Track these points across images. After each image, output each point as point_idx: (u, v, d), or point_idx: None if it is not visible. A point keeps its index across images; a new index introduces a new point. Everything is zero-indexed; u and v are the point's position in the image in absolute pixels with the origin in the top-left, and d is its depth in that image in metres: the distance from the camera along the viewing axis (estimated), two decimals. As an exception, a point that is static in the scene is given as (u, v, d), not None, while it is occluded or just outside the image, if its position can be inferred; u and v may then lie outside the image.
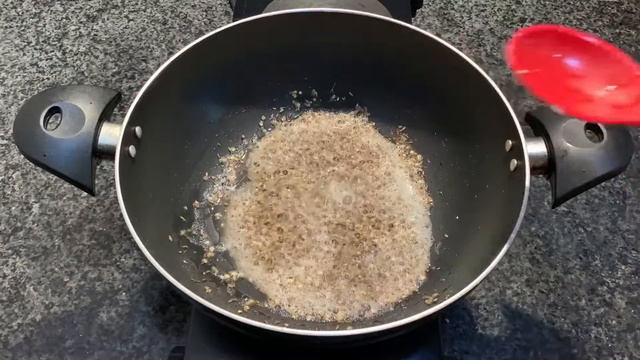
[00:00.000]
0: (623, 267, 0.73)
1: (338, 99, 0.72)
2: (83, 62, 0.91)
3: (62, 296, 0.69)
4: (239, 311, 0.56)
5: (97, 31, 0.96)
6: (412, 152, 0.70)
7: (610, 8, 1.02)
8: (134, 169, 0.58)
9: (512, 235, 0.51)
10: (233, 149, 0.70)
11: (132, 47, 0.93)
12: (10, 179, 0.79)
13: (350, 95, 0.72)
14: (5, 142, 0.82)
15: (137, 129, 0.58)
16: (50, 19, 0.97)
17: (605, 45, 0.46)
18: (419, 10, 0.92)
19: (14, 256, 0.72)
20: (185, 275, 0.57)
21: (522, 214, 0.52)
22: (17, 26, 0.96)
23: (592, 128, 0.58)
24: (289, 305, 0.58)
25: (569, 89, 0.45)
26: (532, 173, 0.55)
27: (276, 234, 0.62)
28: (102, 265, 0.71)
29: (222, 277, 0.60)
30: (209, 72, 0.66)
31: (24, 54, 0.92)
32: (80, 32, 0.95)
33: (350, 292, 0.59)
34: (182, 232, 0.61)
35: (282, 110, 0.72)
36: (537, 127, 0.59)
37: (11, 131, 0.81)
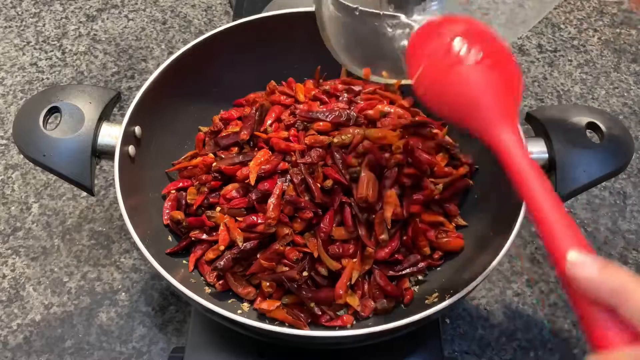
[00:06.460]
0: (624, 267, 0.73)
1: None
2: (83, 62, 0.91)
3: (61, 296, 0.69)
4: (239, 311, 0.56)
5: (96, 31, 0.95)
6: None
7: (610, 8, 1.02)
8: (133, 168, 0.58)
9: (512, 235, 0.51)
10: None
11: (131, 46, 0.93)
12: (10, 179, 0.78)
13: (350, 95, 0.72)
14: (4, 142, 0.82)
15: (137, 129, 0.58)
16: (50, 19, 0.97)
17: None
18: (419, 9, 0.92)
19: (13, 256, 0.72)
20: (186, 275, 0.57)
21: (522, 214, 0.51)
22: (16, 26, 0.96)
23: (593, 128, 0.58)
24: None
25: None
26: (532, 173, 0.55)
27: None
28: (101, 266, 0.71)
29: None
30: (209, 71, 0.66)
31: (24, 54, 0.92)
32: (79, 32, 0.95)
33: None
34: (182, 232, 0.61)
35: (282, 110, 0.72)
36: (537, 127, 0.59)
37: (11, 131, 0.81)
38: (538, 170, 0.35)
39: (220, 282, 0.58)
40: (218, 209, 0.59)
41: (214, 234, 0.58)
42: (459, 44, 0.42)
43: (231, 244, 0.57)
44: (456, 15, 0.49)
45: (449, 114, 0.44)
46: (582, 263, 0.30)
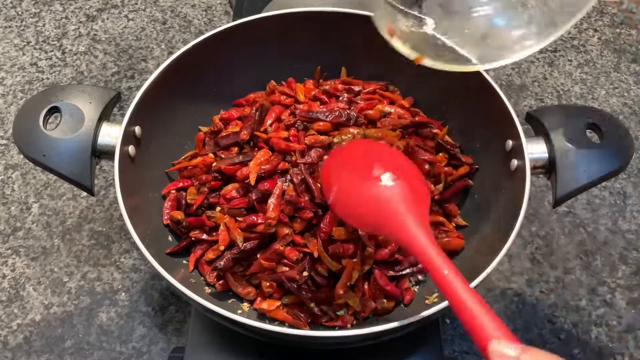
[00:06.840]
0: (624, 267, 0.73)
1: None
2: (82, 61, 0.91)
3: (61, 296, 0.69)
4: (239, 311, 0.56)
5: (96, 31, 0.95)
6: (412, 152, 0.69)
7: (610, 8, 1.02)
8: (133, 168, 0.58)
9: (512, 235, 0.50)
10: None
11: (131, 46, 0.93)
12: (10, 179, 0.78)
13: (350, 95, 0.72)
14: (4, 142, 0.82)
15: (137, 129, 0.58)
16: (50, 19, 0.97)
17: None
18: (419, 10, 0.91)
19: (13, 256, 0.72)
20: (186, 275, 0.57)
21: (522, 213, 0.51)
22: (16, 26, 0.96)
23: (593, 128, 0.58)
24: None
25: None
26: (532, 173, 0.55)
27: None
28: (101, 266, 0.71)
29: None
30: (209, 71, 0.66)
31: (24, 54, 0.92)
32: (79, 32, 0.95)
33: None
34: (182, 232, 0.61)
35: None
36: (538, 127, 0.59)
37: (11, 131, 0.81)
38: (451, 265, 0.40)
39: (220, 282, 0.58)
40: (218, 209, 0.59)
41: (214, 234, 0.58)
42: (369, 163, 0.48)
43: (231, 244, 0.57)
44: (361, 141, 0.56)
45: (363, 224, 0.48)
46: (504, 350, 0.35)
